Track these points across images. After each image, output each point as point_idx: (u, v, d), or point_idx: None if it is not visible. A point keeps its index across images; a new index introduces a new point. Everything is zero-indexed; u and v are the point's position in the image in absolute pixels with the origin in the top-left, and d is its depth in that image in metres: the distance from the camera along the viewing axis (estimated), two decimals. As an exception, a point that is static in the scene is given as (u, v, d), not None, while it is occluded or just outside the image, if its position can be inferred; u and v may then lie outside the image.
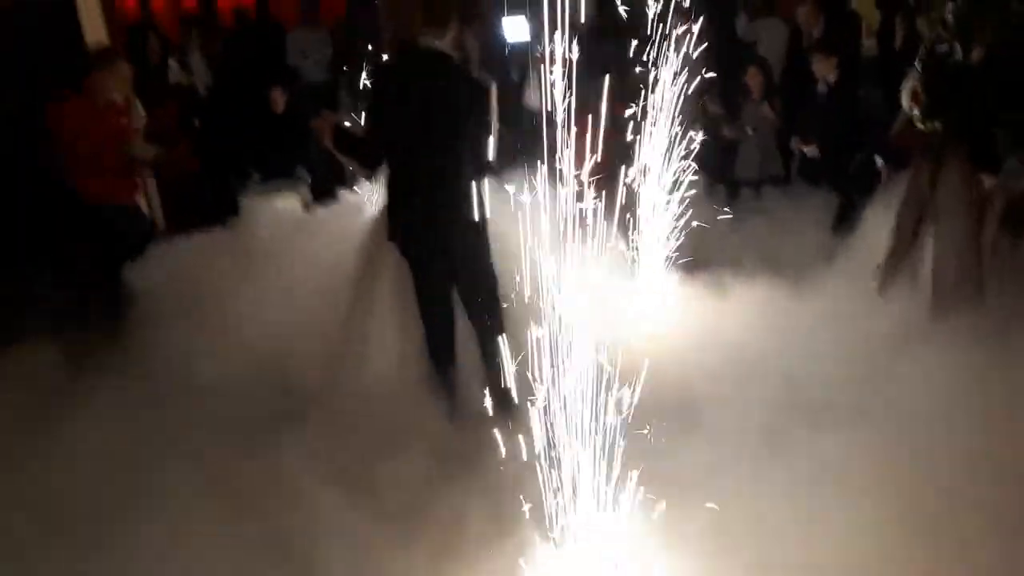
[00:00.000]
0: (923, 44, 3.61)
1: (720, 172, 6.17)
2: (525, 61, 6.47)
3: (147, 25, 6.95)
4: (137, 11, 9.71)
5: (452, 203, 3.25)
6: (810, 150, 5.51)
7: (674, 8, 4.54)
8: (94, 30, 4.71)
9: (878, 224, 4.21)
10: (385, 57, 4.79)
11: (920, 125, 3.49)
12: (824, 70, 5.43)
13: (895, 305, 3.70)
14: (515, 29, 6.65)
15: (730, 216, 5.19)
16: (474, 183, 3.25)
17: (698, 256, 4.55)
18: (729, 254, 4.79)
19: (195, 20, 8.12)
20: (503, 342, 2.77)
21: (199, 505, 2.73)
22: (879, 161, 5.11)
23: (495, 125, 3.28)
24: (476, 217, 3.23)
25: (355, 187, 5.53)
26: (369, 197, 4.87)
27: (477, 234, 3.29)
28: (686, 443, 2.84)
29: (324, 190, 5.92)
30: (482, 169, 3.30)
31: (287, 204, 5.86)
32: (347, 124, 3.53)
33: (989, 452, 2.56)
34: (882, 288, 3.82)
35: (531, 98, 6.39)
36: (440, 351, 3.47)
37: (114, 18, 4.94)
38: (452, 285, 3.44)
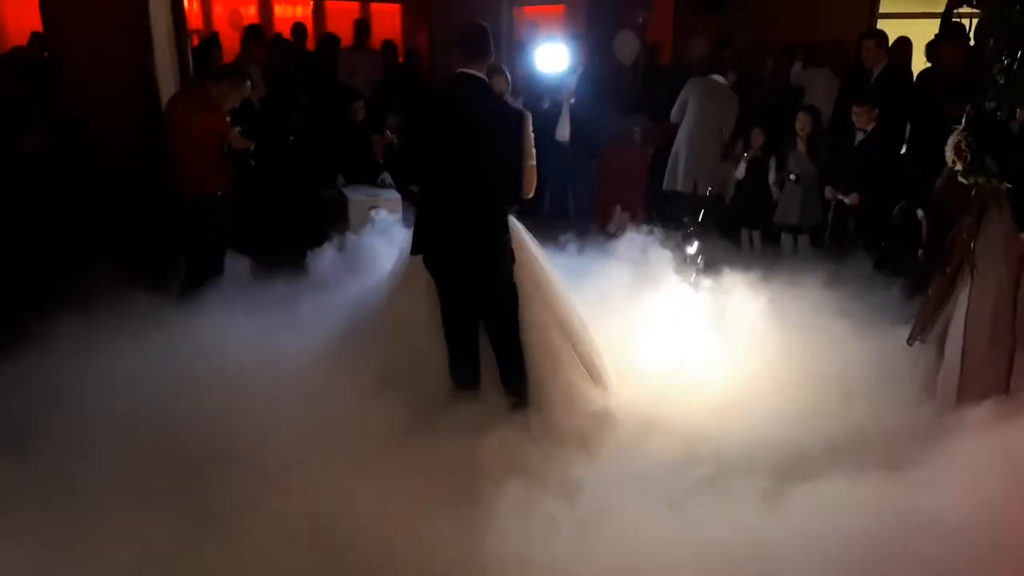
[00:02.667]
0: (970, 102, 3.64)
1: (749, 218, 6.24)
2: (558, 94, 6.62)
3: (213, 41, 7.29)
4: (200, 25, 10.07)
5: (479, 225, 3.38)
6: (851, 199, 5.54)
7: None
8: (161, 46, 4.92)
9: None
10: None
11: (963, 180, 3.51)
12: (863, 122, 5.46)
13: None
14: (551, 58, 6.62)
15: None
16: (503, 210, 3.41)
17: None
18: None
19: (254, 35, 8.38)
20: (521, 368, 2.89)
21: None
22: (920, 213, 5.12)
23: (530, 157, 3.40)
24: (502, 242, 3.39)
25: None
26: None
27: (501, 258, 3.43)
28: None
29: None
30: (515, 198, 3.45)
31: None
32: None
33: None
34: (912, 339, 3.81)
35: (562, 132, 6.53)
36: (462, 371, 3.55)
37: (186, 33, 5.18)
38: (475, 306, 3.53)
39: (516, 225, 3.68)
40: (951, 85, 5.34)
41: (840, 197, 5.64)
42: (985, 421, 3.16)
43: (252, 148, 4.84)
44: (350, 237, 5.02)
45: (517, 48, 7.63)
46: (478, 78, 3.39)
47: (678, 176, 6.62)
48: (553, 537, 2.70)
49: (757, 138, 6.28)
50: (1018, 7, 3.00)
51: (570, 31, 8.19)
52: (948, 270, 3.66)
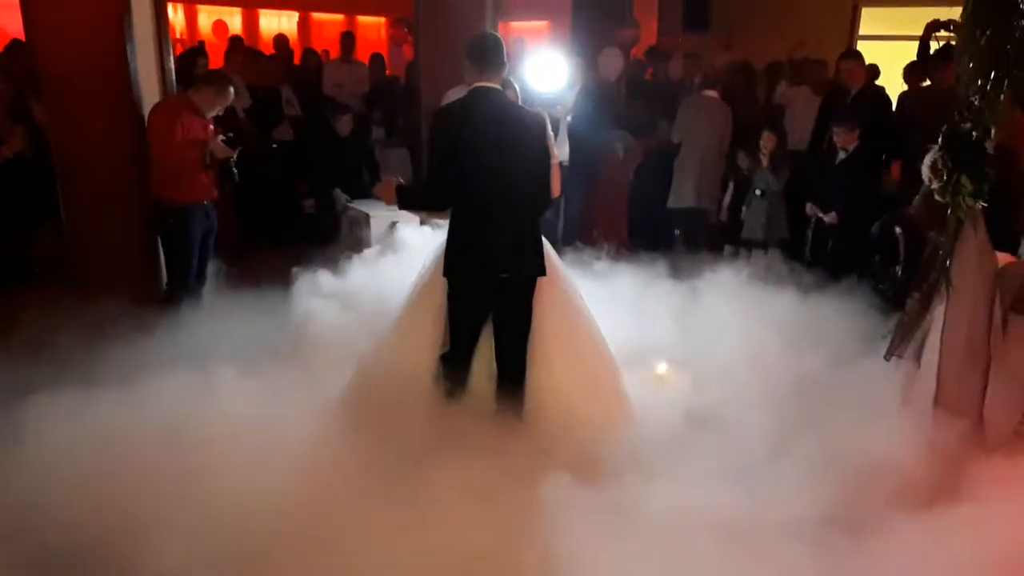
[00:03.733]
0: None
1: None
2: (553, 109, 6.17)
3: (199, 51, 7.30)
4: (186, 35, 10.05)
5: (521, 236, 3.43)
6: (829, 217, 5.61)
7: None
8: (144, 54, 4.90)
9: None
10: (443, 101, 5.01)
11: (939, 198, 3.56)
12: (844, 141, 5.57)
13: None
14: (546, 72, 6.22)
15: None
16: (538, 218, 3.50)
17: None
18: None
19: (239, 47, 8.42)
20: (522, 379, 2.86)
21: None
22: (898, 230, 5.20)
23: (554, 156, 3.49)
24: (540, 250, 3.47)
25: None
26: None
27: (539, 267, 3.47)
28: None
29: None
30: (546, 201, 3.55)
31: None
32: (401, 180, 3.67)
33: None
34: (889, 354, 3.85)
35: (560, 151, 6.25)
36: (460, 376, 3.56)
37: (169, 42, 5.17)
38: (488, 318, 3.55)
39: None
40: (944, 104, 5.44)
41: (820, 215, 5.72)
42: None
43: (235, 157, 4.81)
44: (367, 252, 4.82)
45: (511, 62, 7.65)
46: (496, 90, 3.40)
47: (688, 192, 6.66)
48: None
49: (743, 159, 6.37)
50: (989, 31, 3.06)
51: (556, 47, 8.24)
52: (925, 286, 3.71)
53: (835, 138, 5.68)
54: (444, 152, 3.38)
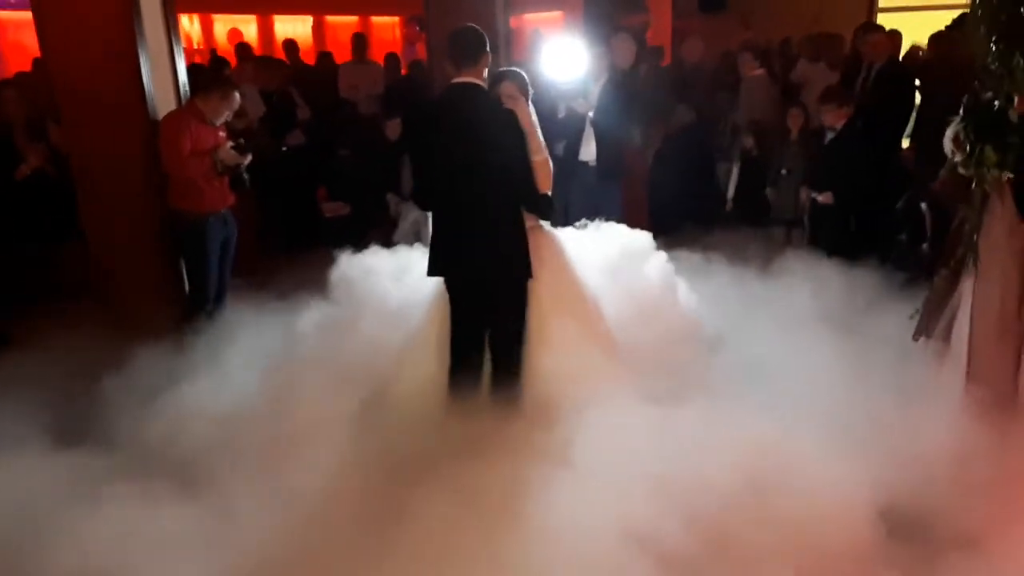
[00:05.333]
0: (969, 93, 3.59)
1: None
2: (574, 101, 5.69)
3: (224, 61, 7.36)
4: (203, 45, 10.14)
5: (496, 235, 3.32)
6: (823, 196, 5.44)
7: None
8: (158, 68, 4.94)
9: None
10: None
11: (963, 171, 3.45)
12: (832, 119, 5.32)
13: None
14: (565, 61, 5.61)
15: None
16: (519, 217, 3.33)
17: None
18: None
19: (248, 54, 8.49)
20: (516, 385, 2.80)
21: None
22: (923, 206, 5.07)
23: (538, 151, 3.32)
24: (520, 251, 3.32)
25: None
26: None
27: (520, 267, 3.35)
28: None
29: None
30: (530, 197, 3.35)
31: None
32: None
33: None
34: (918, 335, 3.76)
35: (587, 150, 5.64)
36: (463, 382, 3.49)
37: (181, 52, 5.20)
38: (486, 325, 3.48)
39: (551, 235, 3.57)
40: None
41: (814, 196, 5.59)
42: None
43: (244, 164, 4.79)
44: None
45: (528, 53, 7.57)
46: (471, 85, 3.32)
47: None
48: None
49: (748, 140, 6.28)
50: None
51: (571, 35, 8.16)
52: (952, 263, 3.61)
53: (823, 117, 5.43)
54: (415, 151, 3.38)
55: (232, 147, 4.72)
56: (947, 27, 5.95)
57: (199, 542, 2.75)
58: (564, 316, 3.46)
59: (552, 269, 3.49)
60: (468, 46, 3.32)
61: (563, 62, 5.54)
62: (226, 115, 4.76)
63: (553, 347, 3.42)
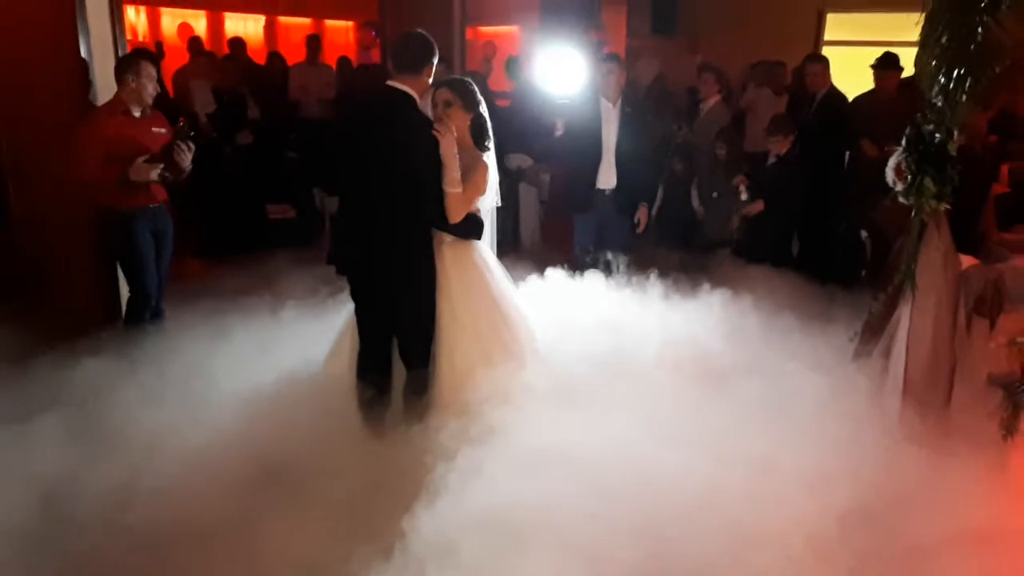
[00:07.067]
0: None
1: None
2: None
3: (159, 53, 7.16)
4: (148, 37, 9.87)
5: (391, 242, 3.29)
6: (753, 205, 5.69)
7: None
8: (101, 52, 4.77)
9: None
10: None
11: (903, 200, 3.57)
12: (779, 148, 5.70)
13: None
14: (561, 74, 5.46)
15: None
16: (419, 229, 3.33)
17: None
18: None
19: (200, 49, 8.29)
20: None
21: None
22: (863, 234, 5.23)
23: (452, 185, 3.29)
24: (415, 262, 3.33)
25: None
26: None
27: (415, 278, 3.35)
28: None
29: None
30: (432, 221, 3.35)
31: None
32: None
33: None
34: (858, 356, 3.86)
35: (606, 178, 5.12)
36: (370, 372, 3.50)
37: (125, 44, 5.03)
38: (387, 322, 3.47)
39: (477, 248, 3.54)
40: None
41: (744, 199, 5.82)
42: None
43: (157, 175, 4.32)
44: None
45: (514, 63, 7.53)
46: (399, 91, 3.27)
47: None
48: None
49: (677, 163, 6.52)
50: (948, 32, 3.06)
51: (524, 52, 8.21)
52: (890, 288, 3.72)
53: (770, 146, 5.78)
54: (332, 140, 3.43)
55: (144, 161, 4.27)
56: (873, 63, 6.20)
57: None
58: (473, 321, 3.46)
59: (465, 280, 3.49)
60: (413, 52, 3.29)
61: (561, 77, 5.47)
62: (151, 91, 4.37)
63: (459, 349, 3.44)
